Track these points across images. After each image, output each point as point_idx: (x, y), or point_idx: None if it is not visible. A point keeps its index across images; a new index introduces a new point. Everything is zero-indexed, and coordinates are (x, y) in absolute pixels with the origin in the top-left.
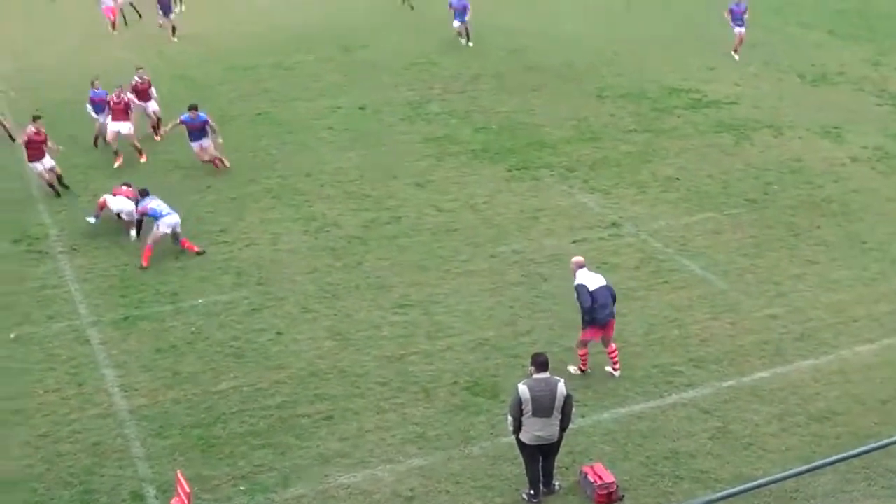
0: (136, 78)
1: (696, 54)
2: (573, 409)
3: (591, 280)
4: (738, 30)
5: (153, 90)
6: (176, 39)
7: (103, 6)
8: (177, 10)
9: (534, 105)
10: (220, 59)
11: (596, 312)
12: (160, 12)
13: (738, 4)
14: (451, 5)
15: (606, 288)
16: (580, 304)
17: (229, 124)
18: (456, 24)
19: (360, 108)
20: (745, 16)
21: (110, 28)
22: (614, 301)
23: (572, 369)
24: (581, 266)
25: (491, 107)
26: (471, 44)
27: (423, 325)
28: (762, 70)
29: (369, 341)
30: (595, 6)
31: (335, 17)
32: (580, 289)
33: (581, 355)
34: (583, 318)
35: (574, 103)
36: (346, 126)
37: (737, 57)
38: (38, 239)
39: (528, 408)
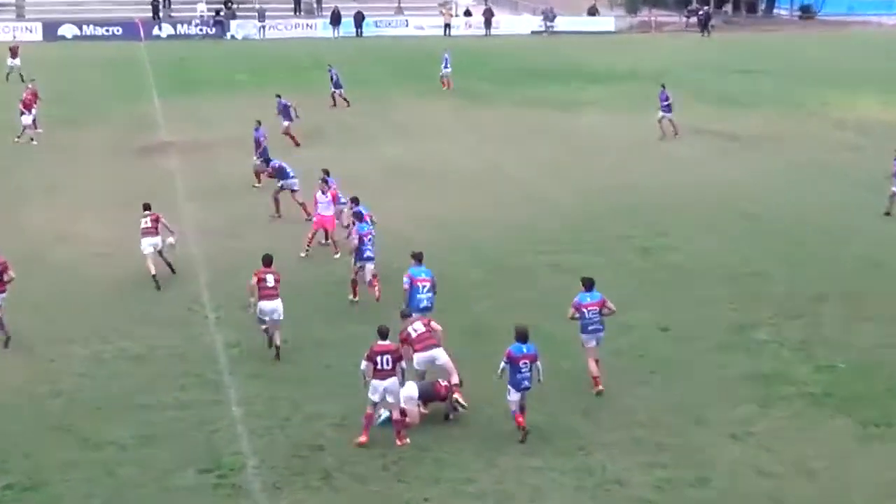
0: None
1: None
2: None
3: None
4: None
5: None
6: None
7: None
8: None
9: None
10: (476, 257)
11: None
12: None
13: None
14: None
15: None
16: None
17: (484, 344)
18: None
19: (662, 330)
20: None
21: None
22: None
23: None
24: None
25: (839, 337)
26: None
27: None
28: None
29: None
30: None
31: (627, 204)
32: None
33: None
34: None
35: None
36: (640, 351)
37: None
38: (232, 470)
39: None
